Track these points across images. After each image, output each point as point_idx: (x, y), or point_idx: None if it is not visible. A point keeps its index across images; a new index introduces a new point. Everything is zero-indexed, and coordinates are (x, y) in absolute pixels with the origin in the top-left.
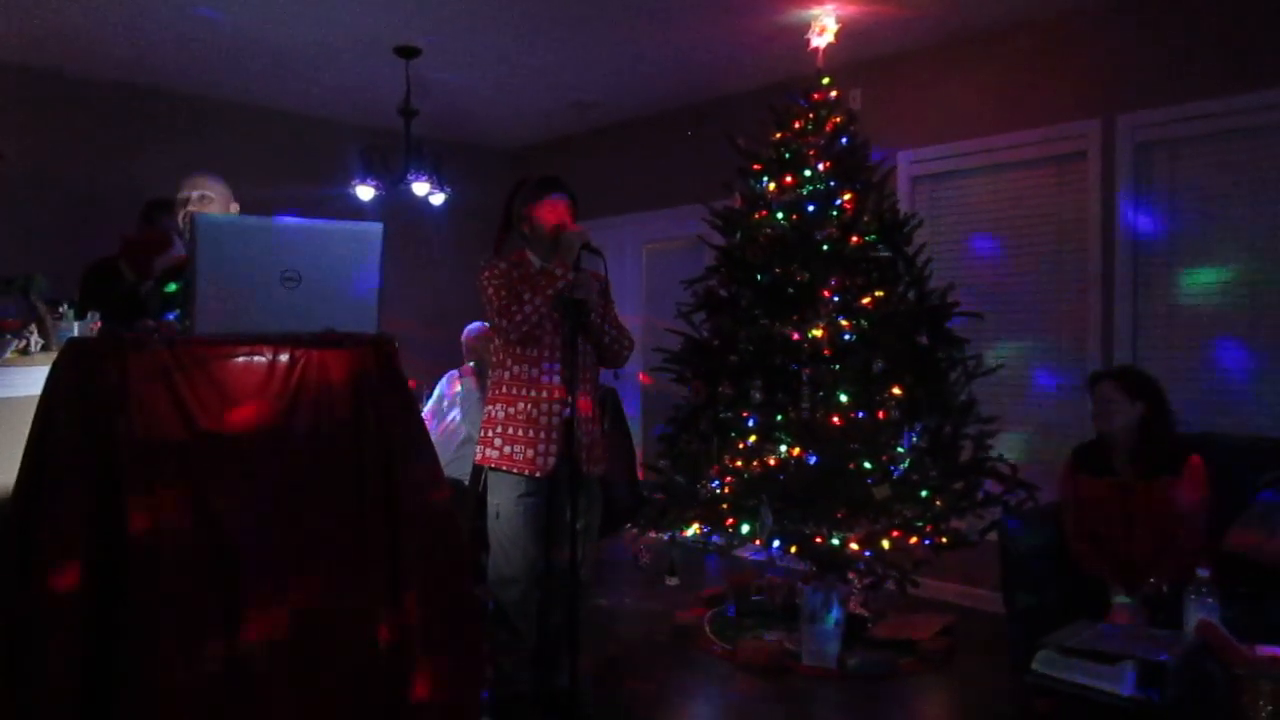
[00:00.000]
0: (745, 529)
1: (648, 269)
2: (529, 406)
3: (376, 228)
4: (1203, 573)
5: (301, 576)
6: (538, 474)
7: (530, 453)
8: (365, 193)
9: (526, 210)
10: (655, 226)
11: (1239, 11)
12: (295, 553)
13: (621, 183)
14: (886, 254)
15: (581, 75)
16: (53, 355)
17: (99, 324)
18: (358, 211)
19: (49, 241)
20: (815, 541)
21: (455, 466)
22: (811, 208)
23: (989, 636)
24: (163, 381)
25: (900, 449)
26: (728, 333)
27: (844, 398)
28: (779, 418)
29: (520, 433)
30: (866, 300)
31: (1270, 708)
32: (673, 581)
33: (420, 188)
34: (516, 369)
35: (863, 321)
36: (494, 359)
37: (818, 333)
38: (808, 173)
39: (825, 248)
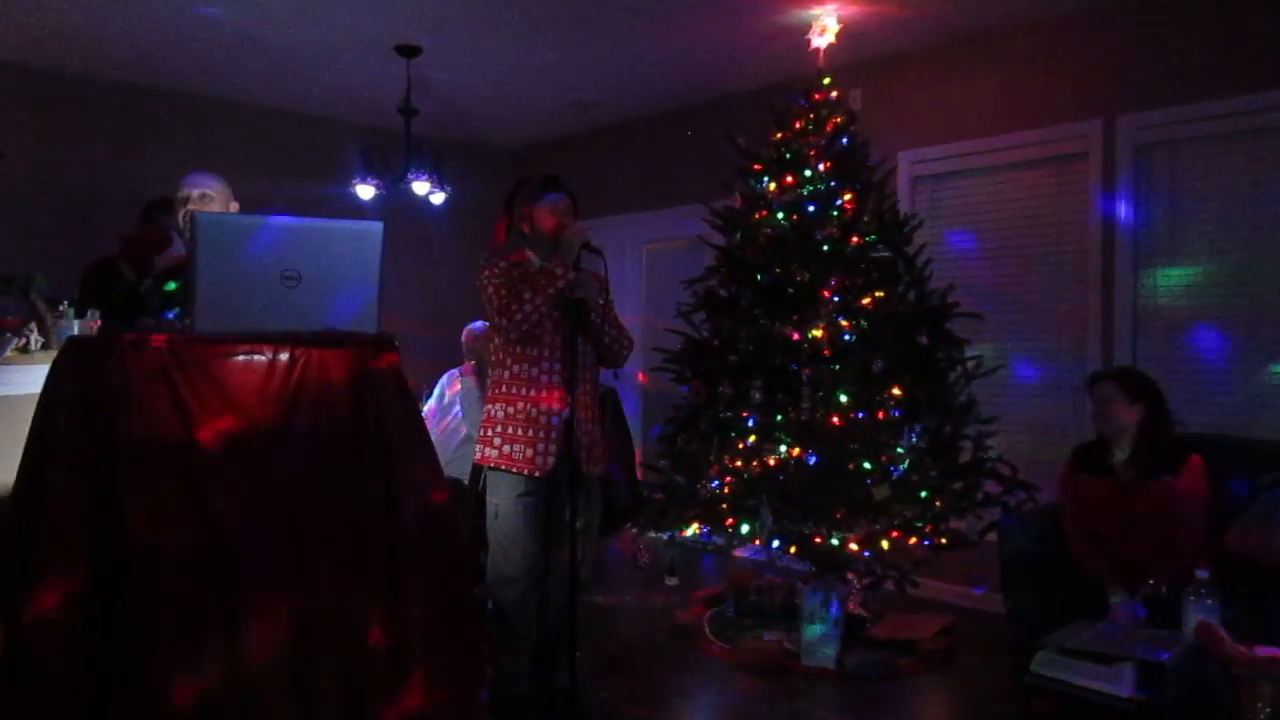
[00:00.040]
0: (745, 529)
1: (648, 269)
2: (528, 406)
3: (377, 227)
4: (1202, 573)
5: (301, 576)
6: (537, 473)
7: (529, 452)
8: (365, 192)
9: (527, 210)
10: (655, 226)
11: (1239, 13)
12: (295, 552)
13: (622, 182)
14: (886, 254)
15: (582, 75)
16: (53, 354)
17: (99, 323)
18: (358, 210)
19: (49, 240)
20: (815, 541)
21: (455, 466)
22: (812, 208)
23: (988, 637)
24: (162, 380)
25: (900, 449)
26: (728, 333)
27: (844, 398)
28: (779, 418)
29: (520, 432)
30: (866, 300)
31: (1269, 709)
32: (672, 581)
33: (420, 187)
34: (516, 368)
35: (863, 322)
36: (494, 358)
37: (818, 333)
38: (808, 173)
39: (825, 248)
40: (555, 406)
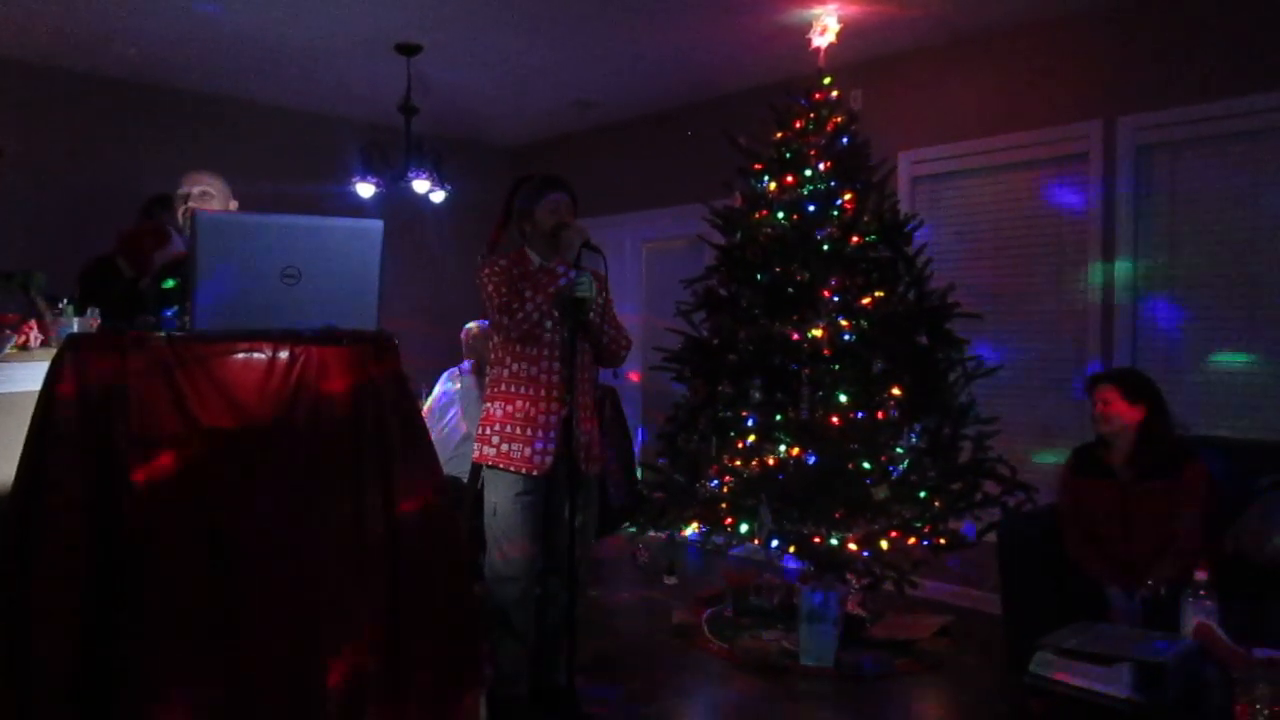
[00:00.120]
0: (744, 528)
1: (648, 268)
2: (527, 405)
3: (377, 225)
4: (1201, 575)
5: (300, 574)
6: (535, 472)
7: (528, 451)
8: (365, 190)
9: (526, 208)
10: (655, 225)
11: (1240, 14)
12: (294, 550)
13: (622, 181)
14: (886, 254)
15: (582, 74)
16: (52, 352)
17: (98, 321)
18: (358, 209)
19: (48, 238)
20: (814, 541)
21: (454, 464)
22: (812, 207)
23: (987, 637)
24: (162, 378)
25: (899, 449)
26: (727, 332)
27: (843, 398)
28: (778, 417)
29: (518, 431)
30: (866, 300)
31: (1267, 711)
32: (671, 581)
33: (420, 185)
34: (515, 367)
35: (862, 321)
36: (492, 356)
37: (817, 332)
38: (808, 172)
39: (825, 248)
40: (554, 406)
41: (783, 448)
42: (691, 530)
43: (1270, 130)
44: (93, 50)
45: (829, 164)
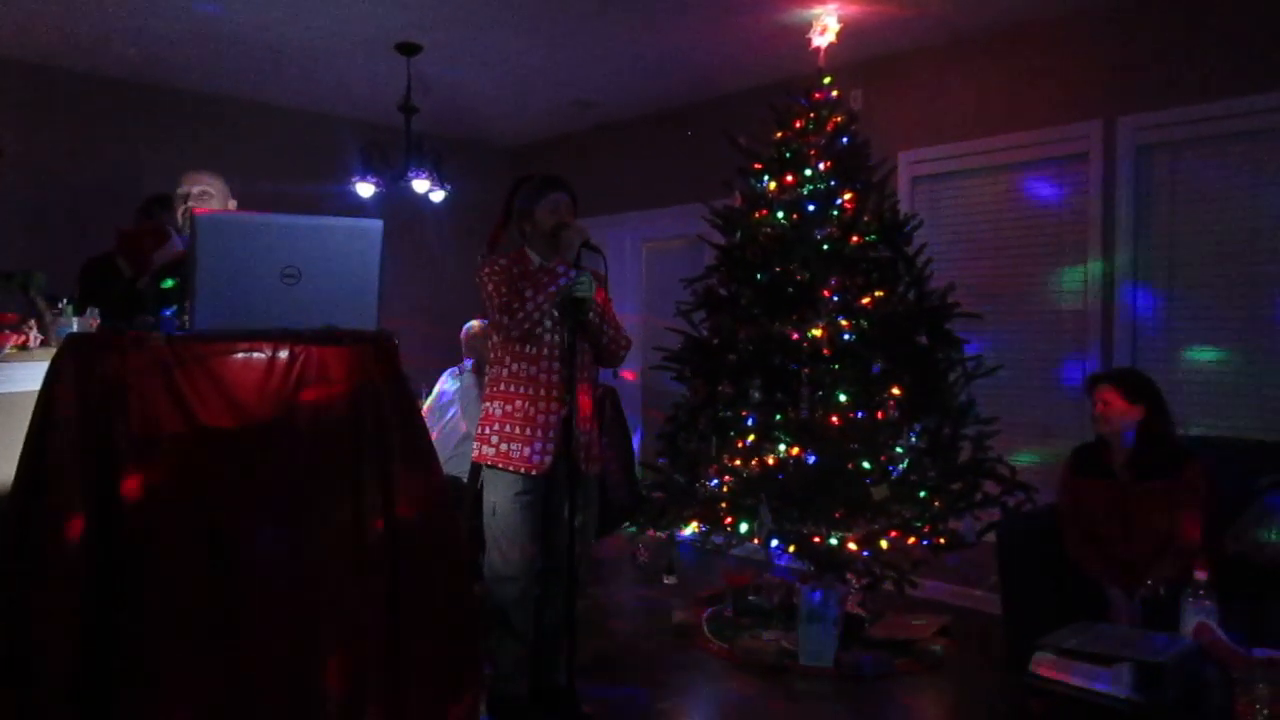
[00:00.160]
0: (744, 528)
1: (647, 267)
2: (526, 404)
3: (376, 224)
4: (1200, 575)
5: (300, 573)
6: (534, 472)
7: (527, 451)
8: (365, 189)
9: (527, 208)
10: (655, 225)
11: (1240, 14)
12: (294, 549)
13: (622, 181)
14: (886, 254)
15: (582, 74)
16: (52, 351)
17: (98, 320)
18: (358, 208)
19: (48, 237)
20: (814, 541)
21: (454, 464)
22: (812, 207)
23: (986, 637)
24: (162, 378)
25: (899, 449)
26: (727, 332)
27: (843, 397)
28: (778, 417)
29: (517, 430)
30: (866, 300)
31: (1266, 711)
32: (671, 580)
33: (420, 185)
34: (515, 366)
35: (862, 321)
36: (492, 356)
37: (817, 332)
38: (808, 172)
39: (825, 247)
40: (554, 405)
41: (782, 447)
42: (691, 530)
43: (1270, 130)
44: (92, 50)
45: (829, 164)
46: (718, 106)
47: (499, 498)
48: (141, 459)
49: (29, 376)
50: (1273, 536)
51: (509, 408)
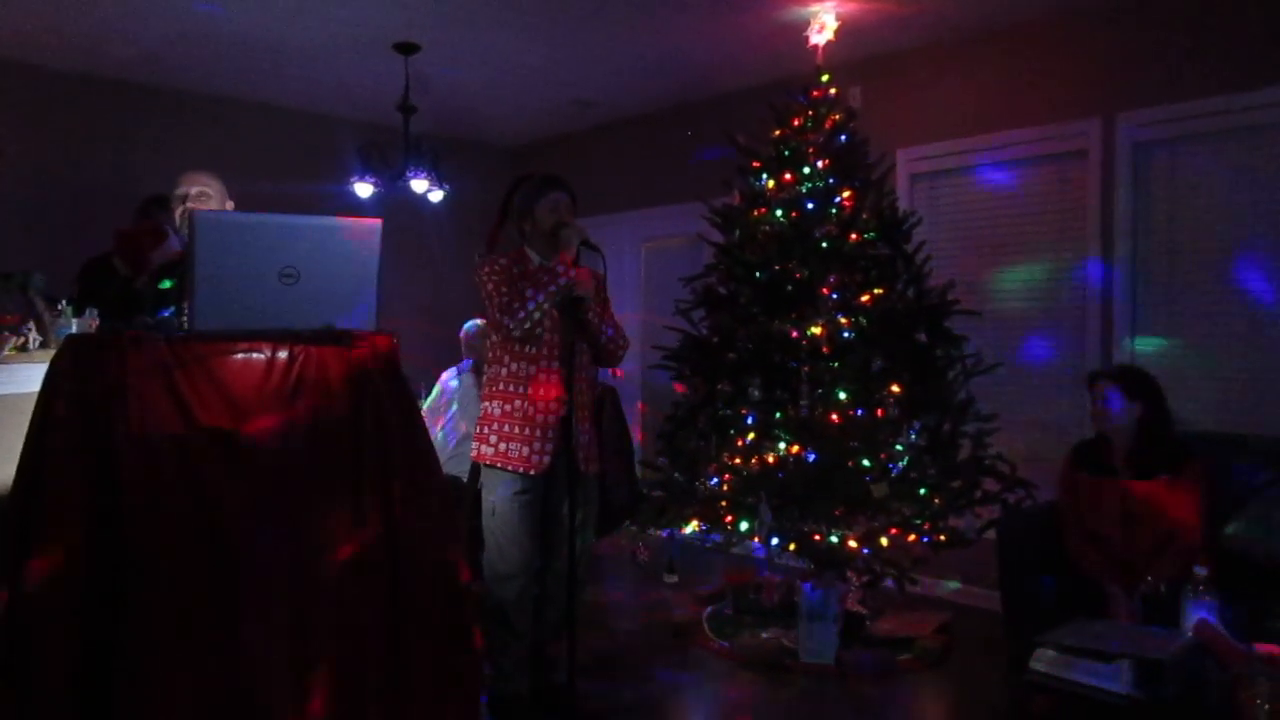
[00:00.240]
0: (744, 526)
1: (647, 266)
2: (525, 404)
3: (375, 224)
4: (1201, 571)
5: (300, 574)
6: (533, 471)
7: (526, 450)
8: (364, 189)
9: (526, 208)
10: (654, 224)
11: (1239, 10)
12: (294, 550)
13: (621, 180)
14: (885, 251)
15: (581, 73)
16: (51, 352)
17: (97, 321)
18: (356, 208)
19: (47, 238)
20: (814, 539)
21: (454, 464)
22: (811, 205)
23: (987, 634)
24: (161, 378)
25: (899, 447)
26: (726, 330)
27: (843, 395)
28: (778, 415)
29: (516, 430)
30: (865, 298)
31: (1267, 706)
32: (671, 579)
33: (419, 185)
34: (514, 366)
35: (861, 319)
36: (490, 355)
37: (816, 330)
38: (807, 170)
39: (824, 245)
40: (552, 405)
41: (782, 445)
42: (691, 528)
43: (1270, 126)
44: (91, 50)
45: (828, 162)
46: (716, 105)
47: (498, 497)
48: (141, 459)
49: (28, 377)
50: (1273, 533)
51: (508, 407)
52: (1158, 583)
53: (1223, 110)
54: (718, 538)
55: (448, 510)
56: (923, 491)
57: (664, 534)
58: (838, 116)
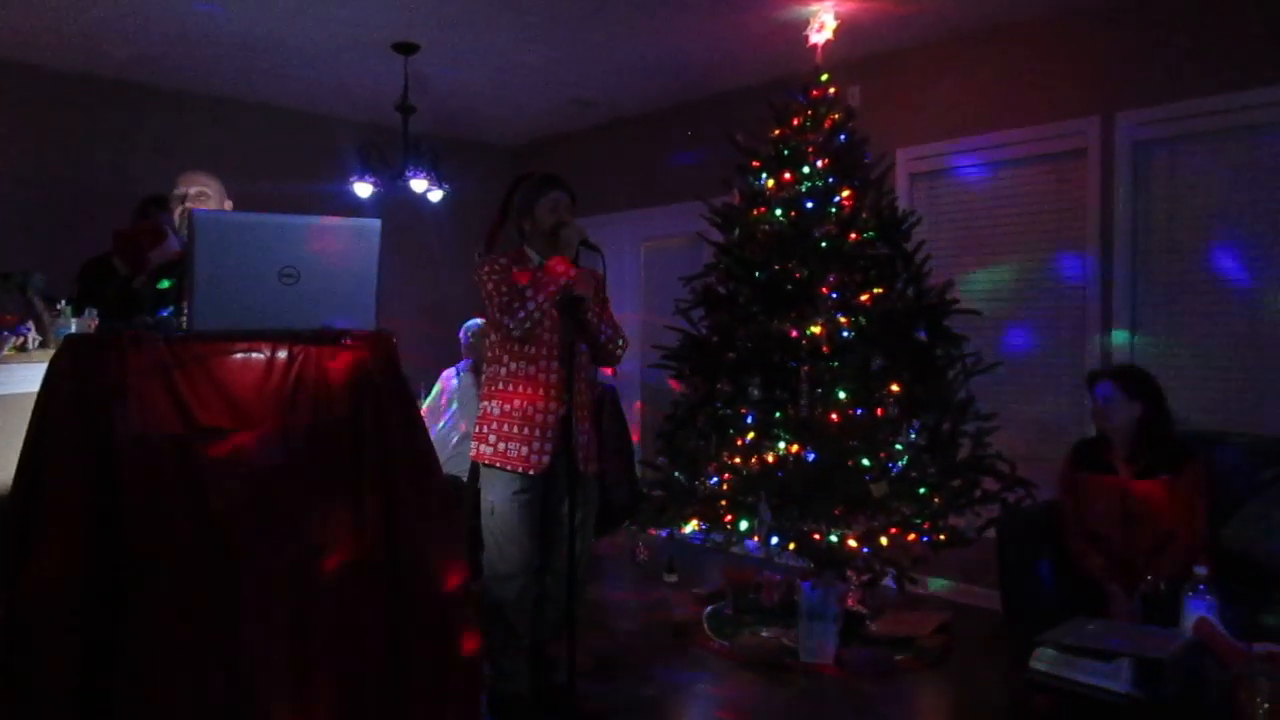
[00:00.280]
0: (744, 526)
1: (646, 266)
2: (524, 404)
3: (374, 224)
4: (1200, 571)
5: (299, 574)
6: (532, 471)
7: (525, 450)
8: (363, 189)
9: (526, 207)
10: (654, 223)
11: (1238, 9)
12: (293, 550)
13: (621, 180)
14: (885, 251)
15: (580, 72)
16: (50, 352)
17: (96, 321)
18: (356, 208)
19: (46, 238)
20: (813, 538)
21: (454, 463)
22: (810, 204)
23: (987, 634)
24: (161, 378)
25: (898, 446)
26: (726, 329)
27: (842, 395)
28: (777, 415)
29: (515, 430)
30: (865, 297)
31: (1267, 705)
32: (671, 578)
33: (418, 184)
34: (514, 365)
35: (861, 318)
36: (489, 354)
37: (816, 330)
38: (806, 169)
39: (824, 245)
40: (552, 405)
41: (782, 445)
42: (691, 528)
43: (1269, 125)
44: (91, 50)
45: (827, 161)
46: (716, 104)
47: (497, 497)
48: (141, 459)
49: (28, 377)
50: (1272, 533)
51: (507, 406)
52: (1157, 582)
53: (1222, 110)
54: (718, 537)
55: (448, 510)
56: (922, 491)
57: (664, 534)
58: (837, 116)
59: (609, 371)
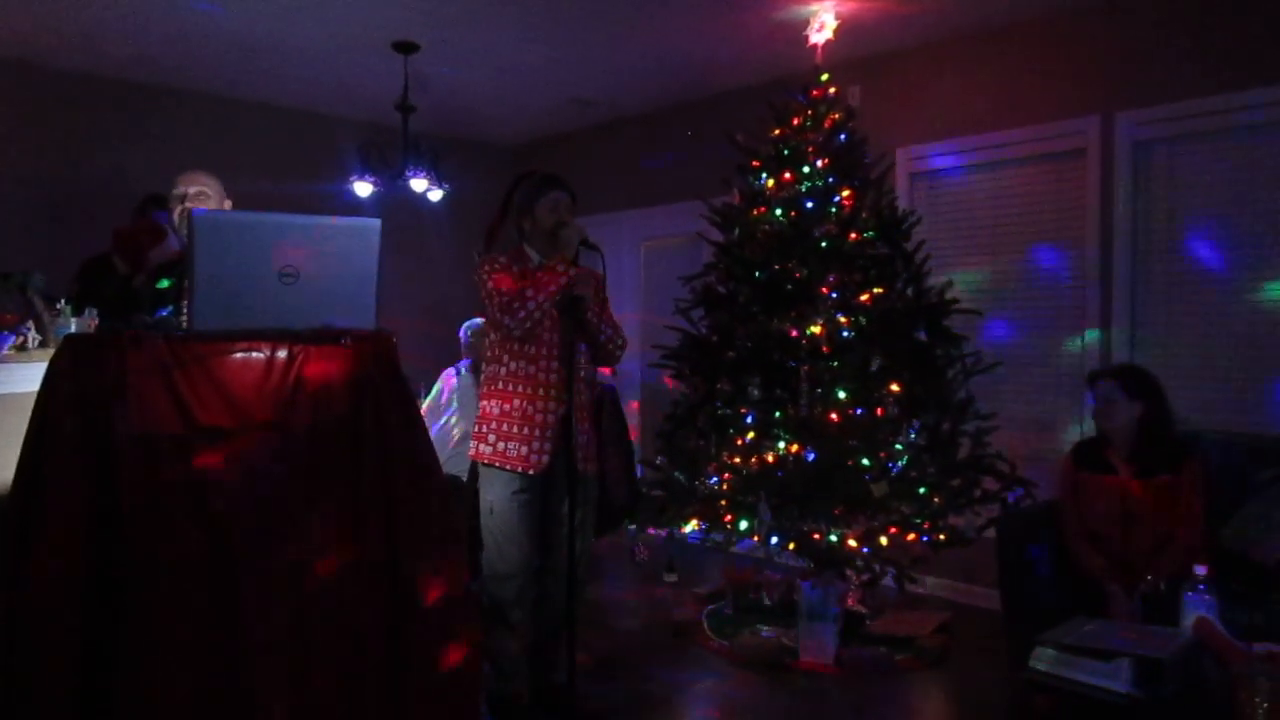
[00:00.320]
0: (744, 525)
1: (646, 266)
2: (524, 403)
3: (374, 224)
4: (1200, 570)
5: (299, 573)
6: (531, 471)
7: (524, 450)
8: (363, 189)
9: (526, 206)
10: (654, 223)
11: (1238, 9)
12: (293, 549)
13: (621, 180)
14: (885, 251)
15: (580, 71)
16: (50, 352)
17: (96, 320)
18: (356, 208)
19: (46, 238)
20: (813, 538)
21: (453, 463)
22: (810, 204)
23: (986, 633)
24: (161, 378)
25: (898, 446)
26: (726, 329)
27: (842, 394)
28: (777, 414)
29: (515, 429)
30: (865, 297)
31: (1266, 705)
32: (671, 578)
33: (418, 184)
34: (513, 365)
35: (861, 318)
36: (489, 354)
37: (816, 329)
38: (806, 169)
39: (824, 244)
40: (551, 404)
41: (782, 444)
42: (691, 528)
43: (1268, 125)
44: (91, 50)
45: (827, 161)
46: (716, 104)
47: (496, 497)
48: (141, 459)
49: (28, 377)
50: (1272, 532)
51: (506, 406)
52: (1157, 582)
53: (1222, 110)
54: (718, 537)
55: (447, 510)
56: (922, 490)
57: (663, 533)
58: (837, 115)
59: (608, 371)
